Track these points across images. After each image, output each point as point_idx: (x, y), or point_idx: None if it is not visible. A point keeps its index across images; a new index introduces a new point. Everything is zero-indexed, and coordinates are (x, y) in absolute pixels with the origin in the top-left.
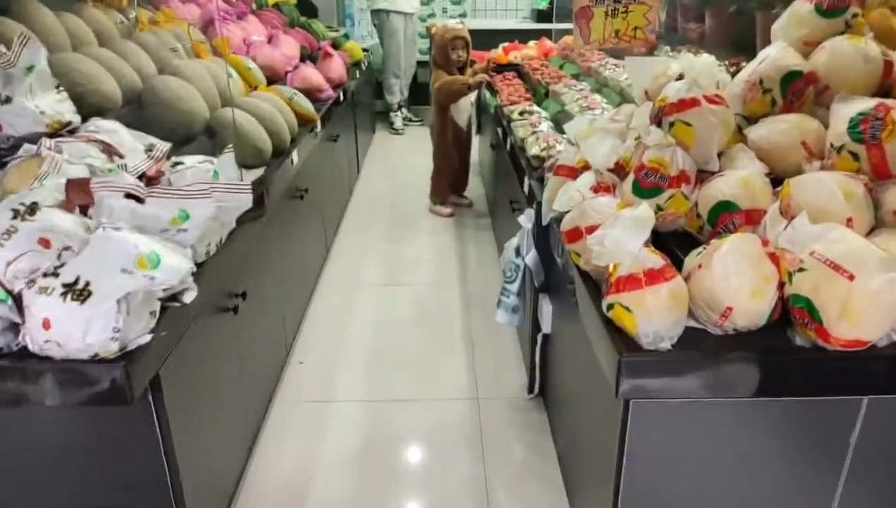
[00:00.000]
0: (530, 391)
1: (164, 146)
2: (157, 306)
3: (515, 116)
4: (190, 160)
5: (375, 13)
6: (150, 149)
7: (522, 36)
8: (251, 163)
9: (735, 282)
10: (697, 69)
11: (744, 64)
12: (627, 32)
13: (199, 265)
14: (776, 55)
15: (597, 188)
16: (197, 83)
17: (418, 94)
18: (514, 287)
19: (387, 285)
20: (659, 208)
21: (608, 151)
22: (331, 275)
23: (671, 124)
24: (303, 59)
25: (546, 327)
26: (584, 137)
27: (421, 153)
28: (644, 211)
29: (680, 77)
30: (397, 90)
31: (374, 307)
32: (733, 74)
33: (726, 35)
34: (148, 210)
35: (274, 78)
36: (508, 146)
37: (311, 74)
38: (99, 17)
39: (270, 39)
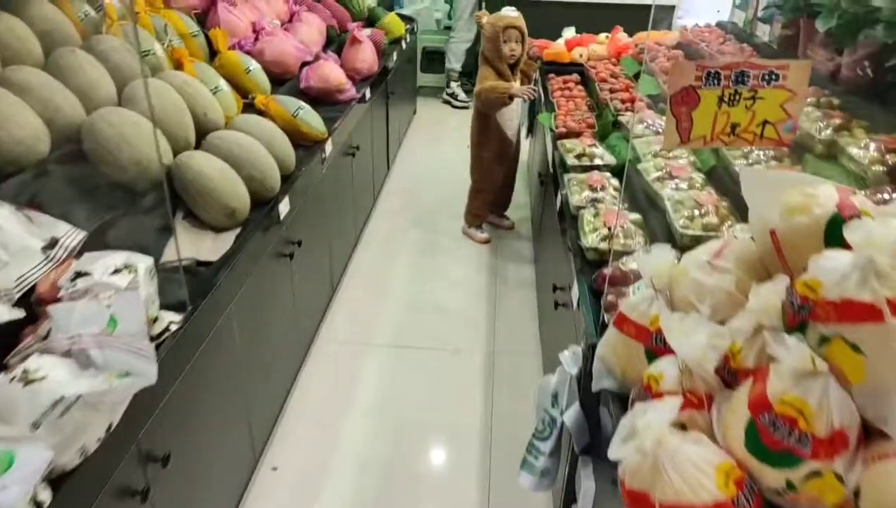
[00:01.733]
0: None
1: (73, 238)
2: None
3: (571, 159)
4: (101, 267)
5: None
6: (50, 245)
7: (591, 13)
8: (220, 225)
9: None
10: (877, 237)
11: None
12: (751, 128)
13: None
14: None
15: (684, 403)
16: (163, 113)
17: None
18: (546, 447)
19: (396, 346)
20: (790, 486)
21: (705, 343)
22: (329, 333)
23: (824, 339)
24: (329, 43)
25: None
26: (667, 283)
27: (468, 137)
28: None
29: (837, 242)
30: (463, 54)
31: (373, 391)
32: None
33: None
34: None
35: (285, 76)
36: (558, 203)
37: (330, 70)
38: (50, 14)
39: (291, 18)
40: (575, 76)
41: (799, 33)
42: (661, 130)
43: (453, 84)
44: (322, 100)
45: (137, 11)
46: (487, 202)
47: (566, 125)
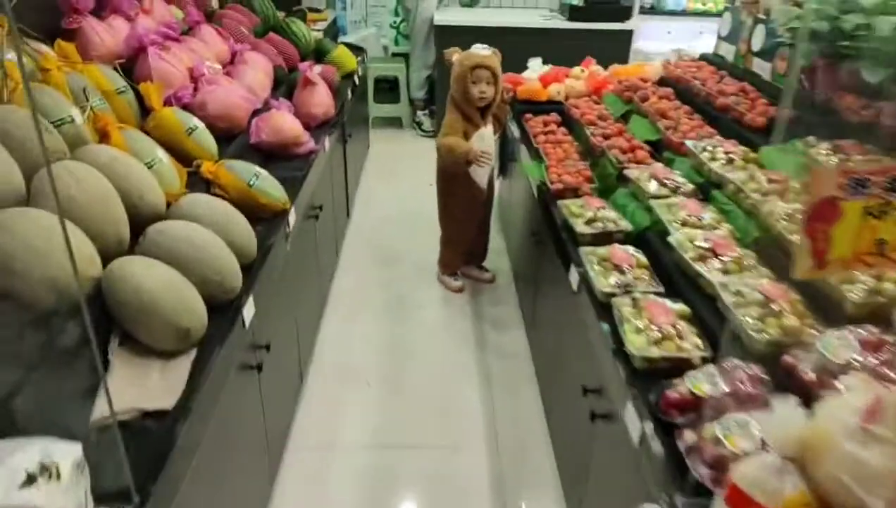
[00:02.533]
0: None
1: None
2: None
3: (581, 226)
4: (5, 478)
5: None
6: None
7: (548, 40)
8: (169, 349)
9: None
10: None
11: None
12: None
13: None
14: None
15: None
16: (85, 207)
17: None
18: None
19: (376, 447)
20: None
21: None
22: (300, 438)
23: None
24: (277, 85)
25: None
26: (799, 450)
27: (428, 170)
28: None
29: None
30: (424, 82)
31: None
32: None
33: None
34: None
35: (232, 131)
36: (574, 282)
37: (283, 120)
38: None
39: (233, 59)
40: (555, 116)
41: (816, 73)
42: (681, 187)
43: (419, 113)
44: (277, 155)
45: (48, 68)
46: (459, 253)
47: (562, 179)
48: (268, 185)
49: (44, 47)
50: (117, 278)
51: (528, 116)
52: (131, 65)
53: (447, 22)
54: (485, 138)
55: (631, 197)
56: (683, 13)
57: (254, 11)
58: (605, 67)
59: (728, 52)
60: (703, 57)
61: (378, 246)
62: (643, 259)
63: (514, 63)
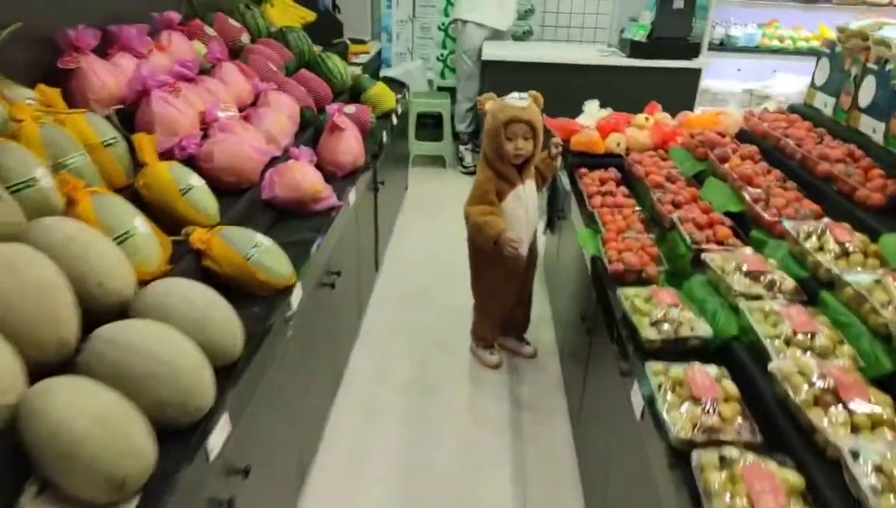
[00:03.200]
0: None
1: None
2: None
3: (647, 330)
4: None
5: (454, 24)
6: None
7: (606, 79)
8: (100, 502)
9: None
10: None
11: None
12: None
13: None
14: None
15: None
16: (14, 311)
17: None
18: None
19: None
20: None
21: None
22: None
23: None
24: (305, 126)
25: None
26: None
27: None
28: None
29: None
30: (466, 115)
31: None
32: None
33: None
34: None
35: (241, 185)
36: (638, 409)
37: (302, 174)
38: None
39: (256, 100)
40: (614, 173)
41: None
42: (778, 283)
43: (461, 148)
44: (292, 212)
45: (20, 119)
46: (496, 325)
47: (623, 258)
48: (270, 258)
49: (27, 93)
50: (32, 411)
51: (584, 170)
52: (132, 112)
53: (496, 57)
54: (522, 198)
55: (710, 288)
56: (756, 49)
57: (288, 46)
58: (669, 110)
59: (825, 104)
60: (794, 109)
61: (407, 302)
62: (732, 389)
63: (568, 105)
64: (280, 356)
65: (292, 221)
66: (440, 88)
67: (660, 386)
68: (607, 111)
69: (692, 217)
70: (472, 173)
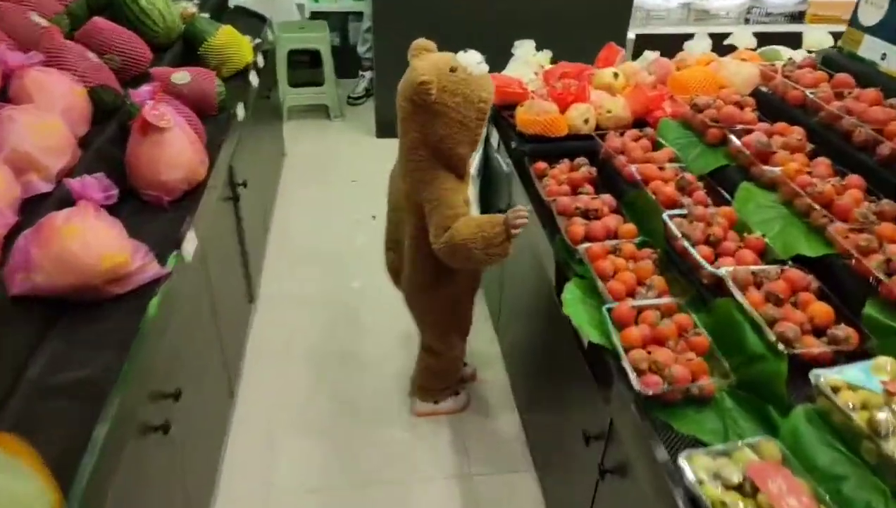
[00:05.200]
0: None
1: None
2: None
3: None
4: None
5: None
6: None
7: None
8: None
9: None
10: None
11: None
12: None
13: None
14: None
15: None
16: None
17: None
18: None
19: None
20: None
21: None
22: None
23: None
24: (102, 118)
25: None
26: None
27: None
28: None
29: None
30: (371, 39)
31: None
32: None
33: None
34: None
35: None
36: None
37: (83, 241)
38: None
39: (4, 87)
40: (585, 168)
41: None
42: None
43: (360, 73)
44: (77, 303)
45: None
46: (461, 356)
47: (664, 372)
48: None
49: None
50: None
51: (541, 165)
52: None
53: None
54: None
55: (823, 429)
56: None
57: None
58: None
59: (883, 55)
60: (829, 61)
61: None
62: None
63: (482, 42)
64: None
65: (79, 315)
66: (314, 15)
67: None
68: (545, 54)
69: (760, 279)
70: (362, 102)
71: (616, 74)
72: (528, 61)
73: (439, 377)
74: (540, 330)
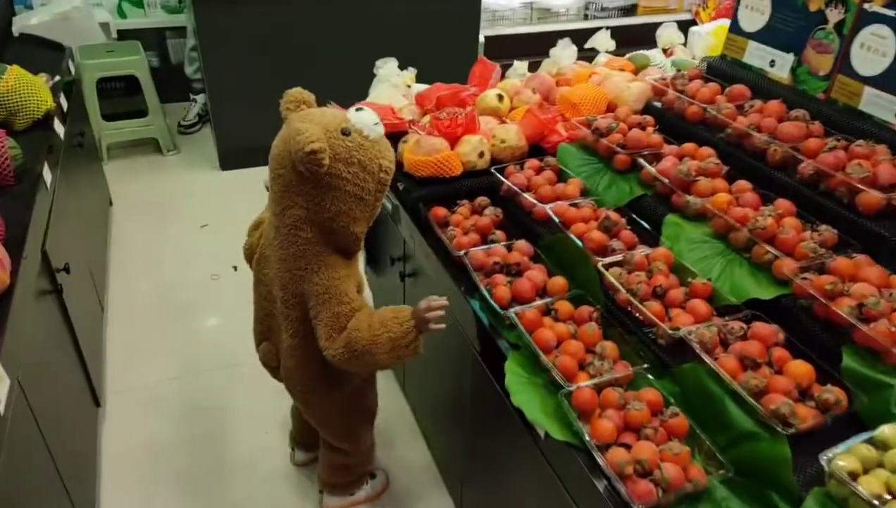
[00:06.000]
0: None
1: None
2: None
3: None
4: None
5: None
6: None
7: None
8: None
9: None
10: None
11: None
12: None
13: None
14: None
15: None
16: None
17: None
18: None
19: None
20: None
21: None
22: None
23: None
24: None
25: None
26: None
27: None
28: None
29: None
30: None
31: None
32: None
33: None
34: None
35: None
36: None
37: None
38: None
39: None
40: (490, 211)
41: None
42: None
43: (192, 97)
44: None
45: None
46: (368, 452)
47: (656, 474)
48: None
49: None
50: None
51: (440, 211)
52: None
53: None
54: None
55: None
56: None
57: None
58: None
59: (771, 62)
60: (714, 69)
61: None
62: None
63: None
64: None
65: None
66: (123, 35)
67: None
68: (410, 72)
69: (724, 335)
70: (194, 132)
71: (500, 97)
72: (395, 83)
73: (351, 469)
74: (467, 407)
